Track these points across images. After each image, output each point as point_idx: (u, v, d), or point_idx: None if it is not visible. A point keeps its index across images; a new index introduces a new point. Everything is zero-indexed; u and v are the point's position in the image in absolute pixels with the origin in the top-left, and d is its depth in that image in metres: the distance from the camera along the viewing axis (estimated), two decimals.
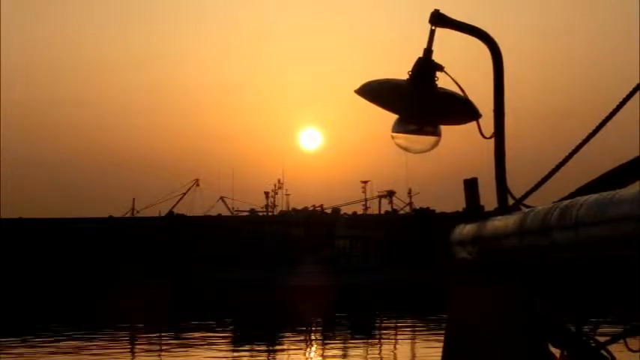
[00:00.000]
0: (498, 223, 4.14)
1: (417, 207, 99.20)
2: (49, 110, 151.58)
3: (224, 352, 38.04)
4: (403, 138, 4.96)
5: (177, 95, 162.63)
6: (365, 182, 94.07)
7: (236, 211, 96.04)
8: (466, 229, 4.58)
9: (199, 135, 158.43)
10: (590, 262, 3.76)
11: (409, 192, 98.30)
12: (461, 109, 4.84)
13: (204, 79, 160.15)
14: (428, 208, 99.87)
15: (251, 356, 37.41)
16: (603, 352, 4.23)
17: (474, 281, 4.51)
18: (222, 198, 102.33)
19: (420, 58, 4.86)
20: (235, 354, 38.00)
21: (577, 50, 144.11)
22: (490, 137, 4.64)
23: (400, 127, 4.94)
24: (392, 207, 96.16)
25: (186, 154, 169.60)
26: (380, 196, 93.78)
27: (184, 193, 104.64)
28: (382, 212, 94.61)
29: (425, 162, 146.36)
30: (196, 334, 44.30)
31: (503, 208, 4.46)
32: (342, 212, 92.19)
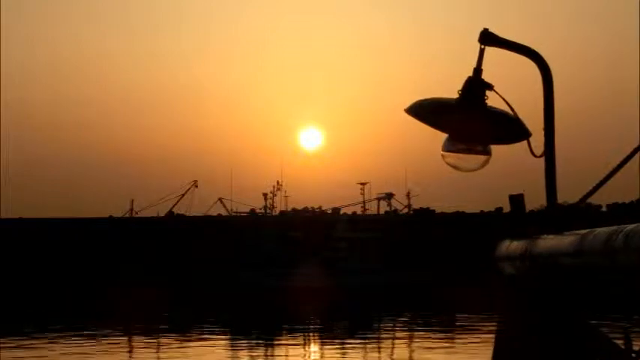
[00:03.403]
0: (552, 241, 4.16)
1: (417, 207, 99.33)
2: (49, 110, 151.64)
3: (223, 353, 38.07)
4: (453, 157, 4.97)
5: (177, 95, 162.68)
6: (363, 184, 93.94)
7: (235, 212, 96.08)
8: (513, 245, 4.60)
9: (199, 135, 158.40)
10: None
11: (408, 194, 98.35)
12: (511, 128, 4.86)
13: (204, 79, 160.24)
14: (428, 208, 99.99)
15: (250, 357, 37.44)
16: None
17: (521, 295, 4.55)
18: (220, 199, 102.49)
19: (469, 77, 4.87)
20: (234, 354, 38.01)
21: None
22: (540, 156, 4.65)
23: (450, 146, 4.96)
24: (390, 208, 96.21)
25: (185, 155, 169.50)
26: (379, 199, 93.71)
27: (183, 194, 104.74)
28: (382, 213, 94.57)
29: (424, 162, 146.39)
30: (195, 335, 44.29)
31: (554, 226, 4.48)
32: (341, 213, 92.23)
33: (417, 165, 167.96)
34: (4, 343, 40.71)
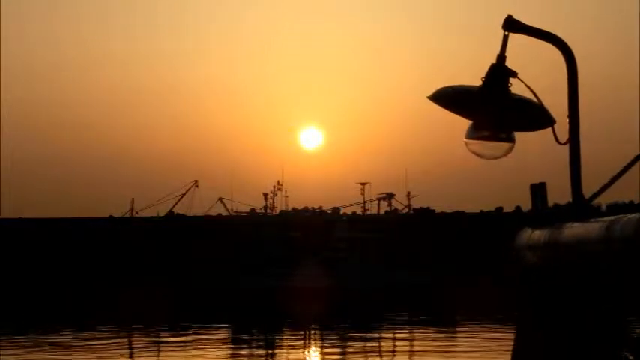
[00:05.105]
0: (578, 229, 4.12)
1: (417, 207, 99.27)
2: (49, 110, 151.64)
3: (223, 353, 38.06)
4: (477, 144, 4.92)
5: (178, 95, 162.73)
6: (363, 184, 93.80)
7: (235, 212, 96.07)
8: (536, 234, 4.56)
9: (199, 135, 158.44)
10: None
11: (408, 194, 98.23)
12: (535, 115, 4.82)
13: (205, 79, 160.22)
14: (428, 208, 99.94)
15: (250, 357, 37.43)
16: None
17: (541, 288, 4.51)
18: (220, 199, 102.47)
19: (493, 64, 4.83)
20: (234, 354, 38.00)
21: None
22: (565, 143, 4.62)
23: (474, 133, 4.91)
24: (391, 208, 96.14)
25: (185, 154, 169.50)
26: (379, 199, 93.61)
27: (183, 194, 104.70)
28: (382, 213, 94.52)
29: (424, 162, 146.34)
30: (195, 334, 44.27)
31: (579, 214, 4.45)
32: (341, 213, 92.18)
33: (417, 165, 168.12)
34: (4, 342, 40.69)
